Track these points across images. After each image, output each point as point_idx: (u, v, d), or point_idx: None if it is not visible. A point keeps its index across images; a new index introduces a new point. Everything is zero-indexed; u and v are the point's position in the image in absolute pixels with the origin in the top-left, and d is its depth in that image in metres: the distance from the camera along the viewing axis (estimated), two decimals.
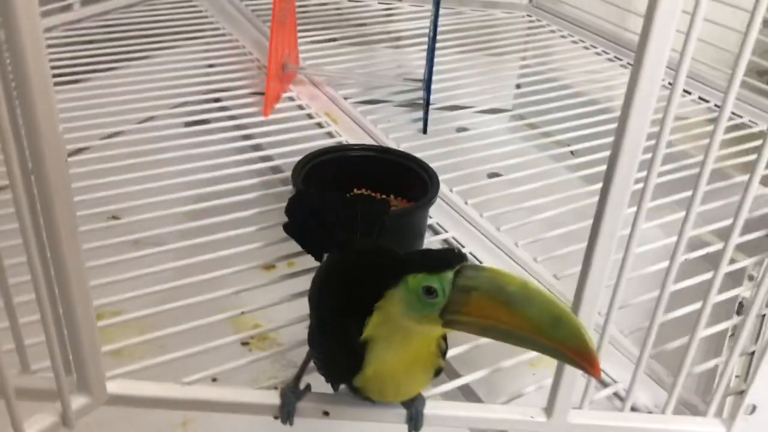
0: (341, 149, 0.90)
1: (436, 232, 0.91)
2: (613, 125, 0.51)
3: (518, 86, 1.43)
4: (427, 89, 1.10)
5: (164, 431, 0.99)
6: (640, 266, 0.83)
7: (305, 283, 0.66)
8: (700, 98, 1.29)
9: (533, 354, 0.72)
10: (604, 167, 0.52)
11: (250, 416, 1.02)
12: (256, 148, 1.07)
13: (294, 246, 0.73)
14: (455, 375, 0.70)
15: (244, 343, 1.07)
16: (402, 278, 0.48)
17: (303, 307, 0.64)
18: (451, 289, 0.47)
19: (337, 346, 0.52)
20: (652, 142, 0.52)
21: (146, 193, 0.90)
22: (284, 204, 0.73)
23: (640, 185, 0.54)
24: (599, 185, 0.52)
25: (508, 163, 1.05)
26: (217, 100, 1.19)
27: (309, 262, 0.71)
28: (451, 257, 0.47)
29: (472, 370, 0.71)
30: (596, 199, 0.52)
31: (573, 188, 0.99)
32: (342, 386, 0.57)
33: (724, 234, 0.57)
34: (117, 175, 0.93)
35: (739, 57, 0.49)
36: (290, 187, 0.88)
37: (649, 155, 0.52)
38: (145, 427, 0.99)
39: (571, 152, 1.15)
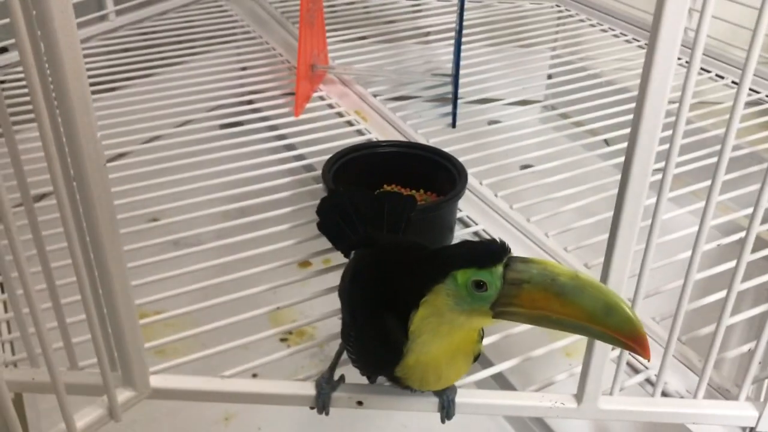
0: (370, 146, 0.92)
1: (466, 225, 0.92)
2: None
3: (549, 77, 1.43)
4: (455, 83, 1.11)
5: (207, 427, 1.02)
6: (674, 253, 0.83)
7: (339, 278, 0.68)
8: (726, 78, 1.28)
9: (566, 342, 0.74)
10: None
11: (289, 410, 1.05)
12: (289, 147, 1.09)
13: (328, 242, 0.75)
14: (488, 364, 0.71)
15: (283, 339, 1.10)
16: (449, 274, 0.49)
17: (338, 301, 0.66)
18: (501, 283, 0.48)
19: (376, 339, 0.53)
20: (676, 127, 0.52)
21: (184, 194, 0.93)
22: (317, 201, 0.75)
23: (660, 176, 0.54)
24: None
25: (539, 154, 1.06)
26: (249, 102, 1.22)
27: (343, 258, 0.73)
28: (498, 250, 0.49)
29: (504, 359, 0.72)
30: None
31: (605, 177, 0.99)
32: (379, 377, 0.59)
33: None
34: (156, 178, 0.96)
35: (756, 32, 0.49)
36: (322, 185, 0.90)
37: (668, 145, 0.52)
38: (189, 422, 1.03)
39: (605, 141, 1.15)
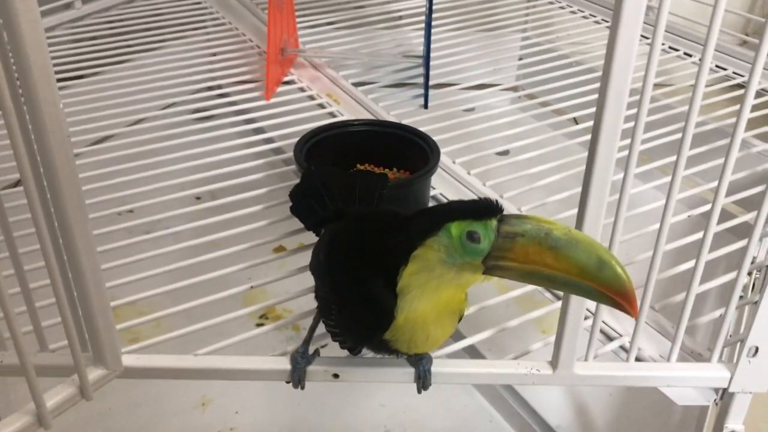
0: (342, 125, 0.91)
1: (439, 203, 0.92)
2: None
3: (520, 59, 1.43)
4: (426, 64, 1.11)
5: (184, 413, 1.02)
6: (645, 226, 0.83)
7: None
8: (694, 56, 1.30)
9: (540, 312, 0.74)
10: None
11: (266, 393, 1.05)
12: (259, 131, 1.08)
13: (300, 224, 0.75)
14: (461, 336, 0.71)
15: (259, 325, 1.10)
16: (443, 226, 0.49)
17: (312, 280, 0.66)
18: (495, 236, 0.48)
19: (363, 304, 0.53)
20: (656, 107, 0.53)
21: (154, 180, 0.91)
22: (288, 184, 0.74)
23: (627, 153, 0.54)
24: None
25: (510, 133, 1.06)
26: (219, 87, 1.20)
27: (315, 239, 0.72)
28: (493, 205, 0.49)
29: (477, 331, 0.72)
30: None
31: (575, 154, 1.00)
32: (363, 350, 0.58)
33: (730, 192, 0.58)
34: (126, 165, 0.94)
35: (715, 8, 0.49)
36: (294, 167, 0.89)
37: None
38: (166, 408, 1.02)
39: (574, 120, 1.16)
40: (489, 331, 0.71)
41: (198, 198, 0.93)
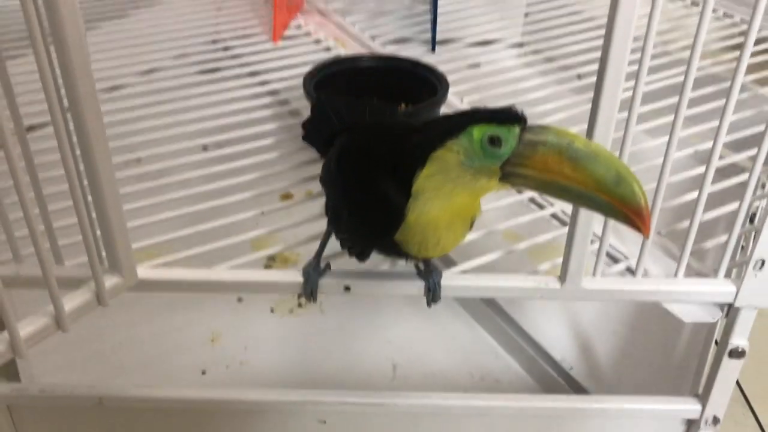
0: (350, 59, 0.91)
1: None
2: None
3: (526, 15, 1.42)
4: (434, 4, 1.11)
5: (194, 348, 1.03)
6: (651, 164, 0.84)
7: (321, 205, 0.66)
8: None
9: (547, 237, 0.75)
10: None
11: (275, 329, 1.06)
12: (265, 83, 1.04)
13: (307, 173, 0.74)
14: (469, 258, 0.72)
15: (267, 267, 1.11)
16: (466, 129, 0.49)
17: (321, 227, 0.66)
18: (517, 142, 0.48)
19: (375, 203, 0.53)
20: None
21: (160, 129, 0.90)
22: (294, 134, 0.73)
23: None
24: None
25: (517, 89, 1.04)
26: (225, 39, 1.19)
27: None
28: (518, 113, 0.49)
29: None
30: None
31: (579, 106, 0.99)
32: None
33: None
34: (131, 113, 0.93)
35: None
36: (300, 119, 0.89)
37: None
38: (175, 343, 1.04)
39: (578, 75, 1.15)
40: (496, 252, 0.72)
41: (205, 148, 0.91)
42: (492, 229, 0.74)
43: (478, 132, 0.49)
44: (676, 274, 0.66)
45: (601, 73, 0.53)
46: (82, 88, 0.51)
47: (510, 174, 0.50)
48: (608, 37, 0.52)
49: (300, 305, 1.10)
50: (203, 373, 0.99)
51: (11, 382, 0.76)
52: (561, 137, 0.48)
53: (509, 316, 1.04)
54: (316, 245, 0.67)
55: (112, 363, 1.00)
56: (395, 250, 0.55)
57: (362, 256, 0.59)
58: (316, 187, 0.76)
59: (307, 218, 0.75)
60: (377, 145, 0.56)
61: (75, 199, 0.55)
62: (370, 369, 1.01)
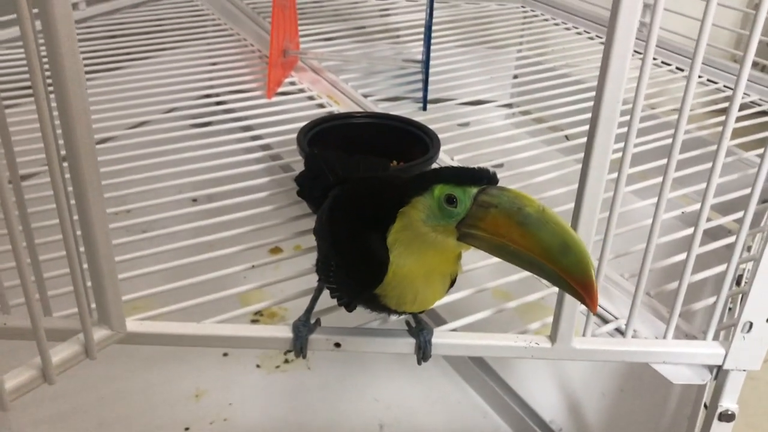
0: (344, 116, 0.93)
1: None
2: None
3: (515, 77, 1.46)
4: (426, 65, 1.13)
5: (178, 402, 1.01)
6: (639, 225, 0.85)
7: (310, 261, 0.68)
8: (686, 71, 1.32)
9: (537, 296, 0.75)
10: None
11: (261, 387, 1.04)
12: (257, 138, 1.06)
13: (297, 228, 0.75)
14: (459, 316, 0.72)
15: (254, 321, 1.10)
16: (430, 187, 0.50)
17: (310, 282, 0.67)
18: (471, 203, 0.49)
19: (360, 256, 0.54)
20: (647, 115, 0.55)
21: (151, 182, 0.89)
22: (286, 189, 0.74)
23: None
24: None
25: (506, 148, 1.06)
26: (219, 94, 1.21)
27: (313, 243, 0.70)
28: (479, 175, 0.50)
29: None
30: None
31: (566, 167, 1.00)
32: (358, 307, 0.59)
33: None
34: (122, 165, 0.92)
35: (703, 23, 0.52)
36: (292, 174, 0.90)
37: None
38: (160, 398, 1.02)
39: (566, 137, 1.17)
40: (487, 311, 0.72)
41: (194, 200, 0.92)
42: (481, 287, 0.74)
43: (438, 191, 0.50)
44: (665, 336, 0.66)
45: (591, 137, 0.55)
46: (80, 137, 0.51)
47: (465, 234, 0.50)
48: (598, 103, 0.53)
49: (287, 361, 1.08)
50: (186, 429, 0.97)
51: None
52: (514, 201, 0.48)
53: (498, 375, 1.04)
54: (303, 301, 0.67)
55: (93, 418, 0.98)
56: (377, 304, 0.56)
57: (349, 306, 0.60)
58: (306, 242, 0.77)
59: (296, 274, 0.75)
60: (365, 198, 0.57)
61: (68, 249, 0.55)
62: (356, 428, 0.99)
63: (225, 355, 1.08)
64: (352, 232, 0.55)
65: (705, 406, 0.77)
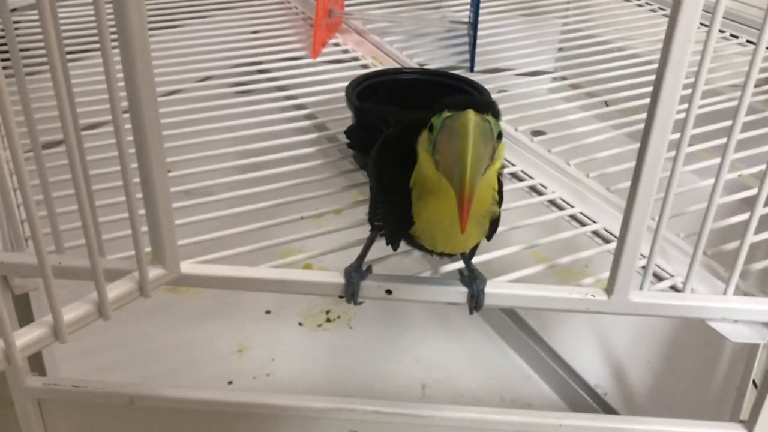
0: (394, 72, 0.92)
1: None
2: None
3: (560, 45, 1.43)
4: (474, 26, 1.11)
5: (222, 357, 1.02)
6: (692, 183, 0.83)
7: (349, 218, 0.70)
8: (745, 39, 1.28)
9: (588, 253, 0.74)
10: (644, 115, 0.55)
11: (302, 342, 1.05)
12: (301, 107, 1.04)
13: (339, 196, 0.75)
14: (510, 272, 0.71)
15: None
16: (431, 119, 0.50)
17: (349, 236, 0.68)
18: (439, 128, 0.48)
19: (389, 199, 0.55)
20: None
21: (197, 148, 0.89)
22: (330, 159, 0.77)
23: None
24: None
25: (546, 112, 1.02)
26: (264, 55, 1.19)
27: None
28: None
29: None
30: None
31: (604, 132, 0.97)
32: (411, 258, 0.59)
33: None
34: (168, 130, 0.91)
35: None
36: (335, 145, 0.90)
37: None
38: (202, 353, 1.03)
39: (605, 102, 1.13)
40: (540, 265, 0.71)
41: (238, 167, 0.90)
42: (524, 245, 0.73)
43: (434, 120, 0.49)
44: (725, 292, 0.64)
45: (650, 116, 0.53)
46: (143, 89, 0.52)
47: (436, 162, 0.49)
48: (659, 80, 0.52)
49: (329, 320, 1.09)
50: (230, 383, 0.98)
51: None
52: (455, 119, 0.47)
53: (541, 338, 1.02)
54: (346, 255, 0.66)
55: (139, 370, 0.99)
56: (416, 243, 0.56)
57: (393, 244, 0.59)
58: (345, 204, 0.78)
59: (336, 228, 0.75)
60: (410, 138, 0.56)
61: (127, 191, 0.55)
62: (398, 387, 0.99)
63: (268, 312, 1.09)
64: (391, 173, 0.55)
65: (754, 383, 0.76)
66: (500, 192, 0.54)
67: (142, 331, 1.03)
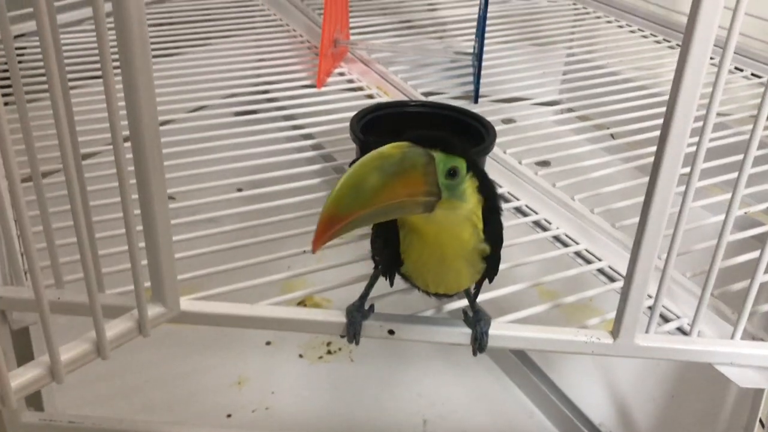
0: (398, 105, 0.92)
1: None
2: (663, 108, 0.53)
3: (564, 75, 1.43)
4: (479, 58, 1.11)
5: (221, 389, 1.01)
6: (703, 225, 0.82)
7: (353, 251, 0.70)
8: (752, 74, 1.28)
9: (594, 292, 0.73)
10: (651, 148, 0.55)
11: (303, 375, 1.03)
12: (308, 137, 1.04)
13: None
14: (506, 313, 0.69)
15: None
16: None
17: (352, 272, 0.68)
18: None
19: (380, 239, 0.56)
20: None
21: (200, 177, 0.88)
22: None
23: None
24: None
25: (552, 144, 1.01)
26: (269, 83, 1.19)
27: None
28: (415, 136, 0.48)
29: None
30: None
31: (612, 166, 0.96)
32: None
33: None
34: (170, 160, 0.89)
35: None
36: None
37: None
38: (201, 385, 1.01)
39: (611, 135, 1.13)
40: (544, 305, 0.70)
41: (239, 189, 0.90)
42: (529, 283, 0.72)
43: None
44: (732, 336, 0.63)
45: (661, 148, 0.53)
46: (145, 117, 0.51)
47: None
48: (670, 113, 0.51)
49: (330, 352, 1.07)
50: (228, 416, 0.97)
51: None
52: None
53: (545, 374, 1.01)
54: (349, 291, 0.66)
55: (137, 401, 0.98)
56: (409, 281, 0.57)
57: (388, 279, 0.59)
58: (349, 237, 0.74)
59: (339, 263, 0.74)
60: None
61: (128, 226, 0.54)
62: (399, 422, 0.97)
63: (268, 343, 1.08)
64: None
65: (761, 422, 0.74)
66: (493, 230, 0.52)
67: (141, 362, 1.01)
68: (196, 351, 1.06)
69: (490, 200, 0.51)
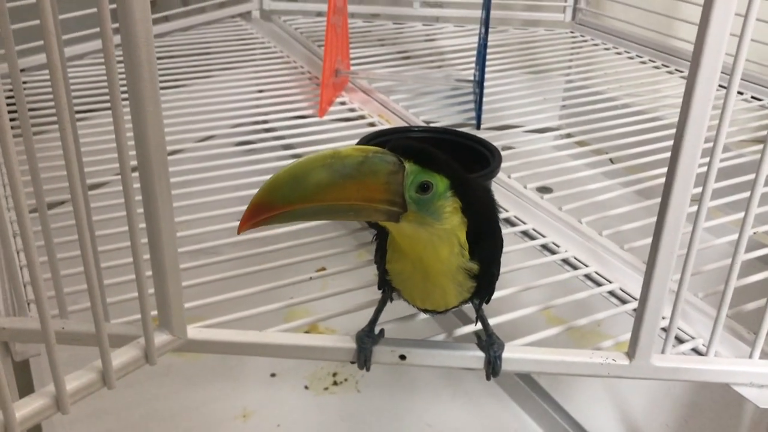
0: (402, 130, 0.91)
1: None
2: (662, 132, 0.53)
3: (563, 102, 1.43)
4: (481, 83, 1.12)
5: (225, 422, 0.99)
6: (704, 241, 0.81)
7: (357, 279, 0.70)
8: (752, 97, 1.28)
9: (605, 315, 0.72)
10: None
11: (310, 408, 1.01)
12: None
13: (347, 258, 0.76)
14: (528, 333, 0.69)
15: None
16: None
17: (353, 301, 0.68)
18: None
19: (382, 248, 0.55)
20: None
21: (203, 207, 0.87)
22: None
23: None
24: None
25: (553, 170, 1.01)
26: (271, 113, 1.19)
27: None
28: (392, 144, 0.49)
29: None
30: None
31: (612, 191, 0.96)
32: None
33: None
34: (174, 190, 0.88)
35: None
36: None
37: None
38: (206, 418, 0.99)
39: (610, 160, 1.13)
40: (557, 328, 0.69)
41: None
42: (536, 308, 0.71)
43: None
44: (751, 356, 0.62)
45: (671, 174, 0.53)
46: (153, 147, 0.51)
47: None
48: (678, 142, 0.51)
49: (336, 383, 1.06)
50: None
51: None
52: None
53: (556, 402, 0.99)
54: (353, 320, 0.65)
55: None
56: (403, 297, 0.57)
57: (386, 294, 0.60)
58: (350, 263, 0.77)
59: (341, 291, 0.73)
60: None
61: (135, 254, 0.53)
62: None
63: (273, 375, 1.06)
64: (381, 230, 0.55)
65: None
66: (484, 250, 0.51)
67: (144, 394, 1.00)
68: (200, 384, 1.04)
69: (478, 224, 0.50)
